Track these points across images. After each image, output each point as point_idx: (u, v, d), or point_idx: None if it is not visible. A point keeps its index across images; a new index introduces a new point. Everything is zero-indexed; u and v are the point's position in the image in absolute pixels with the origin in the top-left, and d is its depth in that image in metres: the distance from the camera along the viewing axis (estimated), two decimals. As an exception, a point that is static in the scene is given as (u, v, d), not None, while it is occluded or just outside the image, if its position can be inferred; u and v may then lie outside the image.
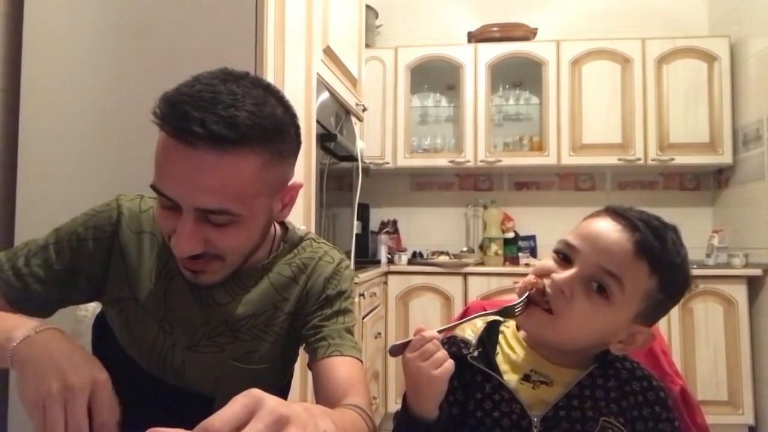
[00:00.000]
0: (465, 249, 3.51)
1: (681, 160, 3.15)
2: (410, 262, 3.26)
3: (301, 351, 0.93)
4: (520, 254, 3.36)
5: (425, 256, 3.37)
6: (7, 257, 0.85)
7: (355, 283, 2.17)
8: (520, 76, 3.46)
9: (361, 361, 0.87)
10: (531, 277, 0.77)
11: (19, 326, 0.67)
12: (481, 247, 3.44)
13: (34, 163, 1.45)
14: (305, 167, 1.71)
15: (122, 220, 0.88)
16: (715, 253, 3.08)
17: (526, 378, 0.77)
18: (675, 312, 2.89)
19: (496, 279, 2.97)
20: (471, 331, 0.84)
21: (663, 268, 0.74)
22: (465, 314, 1.10)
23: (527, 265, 3.19)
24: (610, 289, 0.73)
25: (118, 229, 0.87)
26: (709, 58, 3.14)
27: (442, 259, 3.25)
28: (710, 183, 3.43)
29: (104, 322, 0.91)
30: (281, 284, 0.89)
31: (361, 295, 2.35)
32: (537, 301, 0.75)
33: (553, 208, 3.54)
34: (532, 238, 3.49)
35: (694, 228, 3.37)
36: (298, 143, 0.82)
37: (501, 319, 0.84)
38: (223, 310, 0.86)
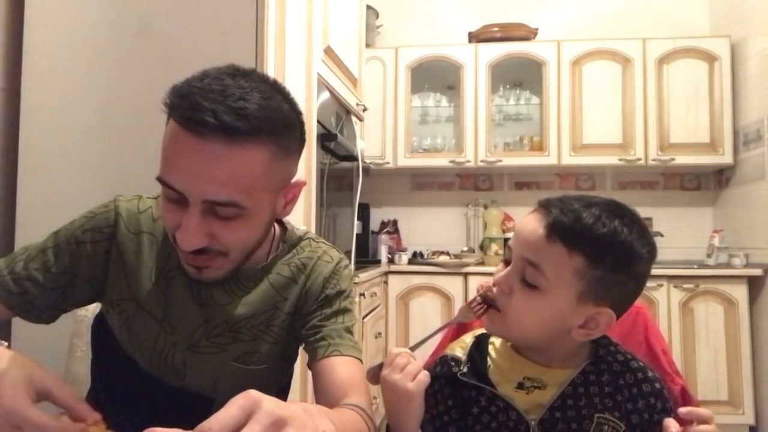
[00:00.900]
0: (465, 249, 3.51)
1: (681, 160, 3.15)
2: (410, 262, 3.26)
3: (301, 351, 0.93)
4: (520, 254, 3.35)
5: (425, 256, 3.37)
6: (6, 263, 0.84)
7: (355, 283, 2.17)
8: (520, 76, 3.46)
9: (361, 361, 0.87)
10: (488, 282, 0.80)
11: None
12: (482, 247, 3.44)
13: (35, 162, 1.45)
14: (305, 167, 1.71)
15: (120, 221, 0.88)
16: (715, 253, 3.08)
17: (520, 386, 0.77)
18: (675, 312, 2.89)
19: (496, 279, 2.97)
20: (460, 348, 0.84)
21: (582, 243, 0.71)
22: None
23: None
24: (533, 277, 0.73)
25: (116, 231, 0.87)
26: (710, 58, 3.14)
27: (443, 259, 3.25)
28: (711, 183, 3.43)
29: (104, 322, 0.90)
30: (281, 284, 0.89)
31: (362, 295, 2.35)
32: (491, 303, 0.78)
33: (554, 208, 3.54)
34: (533, 238, 3.48)
35: (695, 228, 3.38)
36: (303, 140, 0.83)
37: (486, 331, 0.85)
38: (223, 310, 0.86)
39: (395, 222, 3.62)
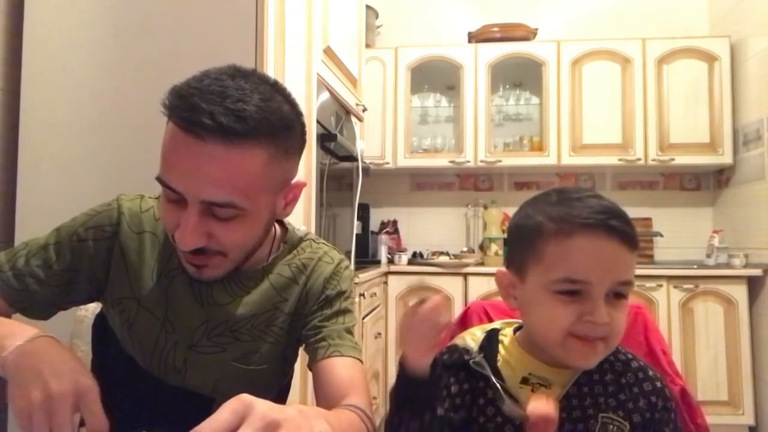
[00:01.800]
0: (465, 249, 3.51)
1: (681, 160, 3.15)
2: (410, 263, 3.26)
3: (301, 351, 0.93)
4: (520, 254, 3.35)
5: (425, 256, 3.37)
6: (7, 257, 0.84)
7: (355, 284, 2.17)
8: (520, 76, 3.46)
9: (361, 362, 0.87)
10: None
11: (14, 335, 0.68)
12: (482, 248, 3.44)
13: (34, 162, 1.45)
14: (305, 167, 1.71)
15: (123, 220, 0.88)
16: (715, 253, 3.08)
17: (524, 381, 0.77)
18: (675, 312, 2.89)
19: (496, 279, 2.97)
20: (471, 339, 0.84)
21: (636, 239, 0.77)
22: (465, 314, 1.10)
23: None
24: (625, 290, 0.75)
25: (118, 230, 0.87)
26: (710, 58, 3.14)
27: (443, 259, 3.25)
28: (710, 183, 3.43)
29: (104, 322, 0.90)
30: (281, 285, 0.89)
31: (361, 295, 2.35)
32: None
33: (554, 208, 3.54)
34: (533, 238, 3.49)
35: (695, 228, 3.38)
36: (303, 141, 0.83)
37: (499, 327, 0.85)
38: (223, 310, 0.86)
39: (395, 222, 3.62)
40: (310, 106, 1.74)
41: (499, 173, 3.60)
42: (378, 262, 3.10)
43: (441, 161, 3.37)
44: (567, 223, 0.73)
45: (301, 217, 1.67)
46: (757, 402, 2.82)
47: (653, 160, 3.16)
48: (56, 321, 0.88)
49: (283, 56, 1.49)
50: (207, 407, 0.83)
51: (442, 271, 3.08)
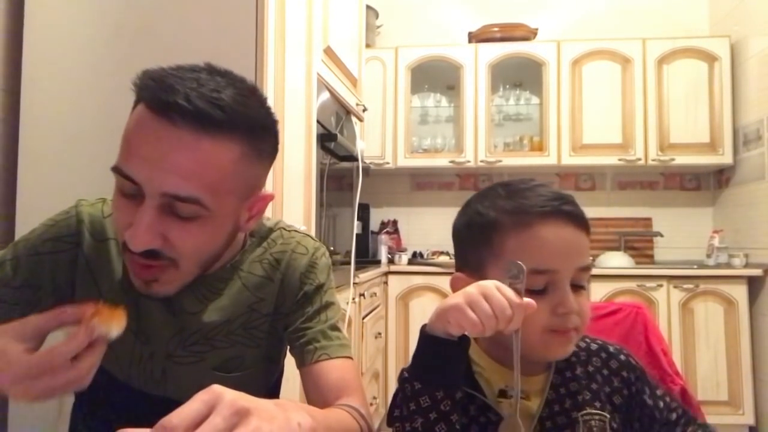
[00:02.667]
0: (465, 249, 3.51)
1: (681, 160, 3.15)
2: (410, 262, 3.26)
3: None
4: (520, 254, 3.36)
5: (425, 256, 3.37)
6: None
7: (355, 283, 2.17)
8: (520, 76, 3.46)
9: (351, 358, 0.84)
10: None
11: None
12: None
13: (35, 163, 1.45)
14: (305, 167, 1.71)
15: (83, 228, 0.82)
16: (715, 254, 3.08)
17: (502, 394, 0.73)
18: (675, 312, 2.89)
19: (496, 279, 2.97)
20: None
21: (588, 223, 0.76)
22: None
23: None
24: (585, 279, 0.74)
25: (80, 240, 0.82)
26: (710, 58, 3.14)
27: (443, 259, 3.25)
28: (710, 183, 3.43)
29: None
30: (254, 284, 0.84)
31: (361, 295, 2.35)
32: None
33: (554, 208, 3.54)
34: (533, 238, 3.49)
35: (695, 228, 3.38)
36: (276, 149, 0.78)
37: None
38: (195, 318, 0.81)
39: (395, 222, 3.62)
40: (310, 106, 1.74)
41: (499, 173, 3.60)
42: (378, 262, 3.10)
43: (441, 161, 3.37)
44: (524, 214, 0.72)
45: (301, 217, 1.67)
46: (757, 402, 2.82)
47: (653, 160, 3.16)
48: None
49: (283, 56, 1.49)
50: None
51: (442, 271, 3.08)
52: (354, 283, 2.14)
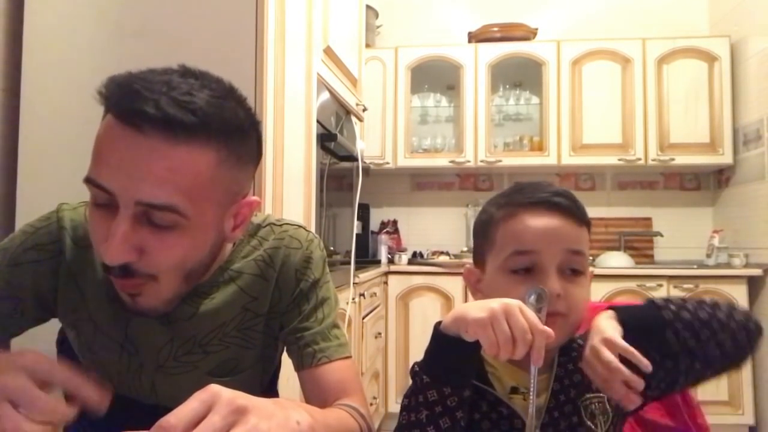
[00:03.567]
0: (465, 249, 3.51)
1: (681, 160, 3.15)
2: (410, 262, 3.26)
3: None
4: (520, 254, 3.36)
5: (425, 256, 3.37)
6: None
7: (355, 283, 2.17)
8: (520, 76, 3.46)
9: (350, 357, 0.82)
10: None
11: None
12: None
13: (35, 163, 1.45)
14: (305, 167, 1.71)
15: (65, 235, 0.79)
16: (715, 254, 3.08)
17: (513, 390, 0.76)
18: (675, 312, 2.89)
19: (496, 279, 2.96)
20: None
21: (586, 216, 0.79)
22: None
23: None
24: (579, 264, 0.76)
25: (62, 247, 0.78)
26: (710, 58, 3.14)
27: (443, 259, 3.25)
28: (710, 183, 3.43)
29: (67, 340, 0.84)
30: (247, 283, 0.80)
31: (361, 295, 2.35)
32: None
33: (554, 208, 3.54)
34: (533, 238, 3.49)
35: (695, 228, 3.38)
36: (259, 153, 0.74)
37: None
38: (188, 326, 0.77)
39: (395, 222, 3.62)
40: (310, 106, 1.74)
41: (499, 173, 3.60)
42: (378, 262, 3.10)
43: (441, 161, 3.37)
44: (512, 206, 0.77)
45: (301, 217, 1.67)
46: (757, 402, 2.82)
47: (653, 160, 3.16)
48: (55, 334, 0.87)
49: (283, 56, 1.49)
50: None
51: (442, 270, 3.08)
52: (354, 283, 2.14)
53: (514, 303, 0.63)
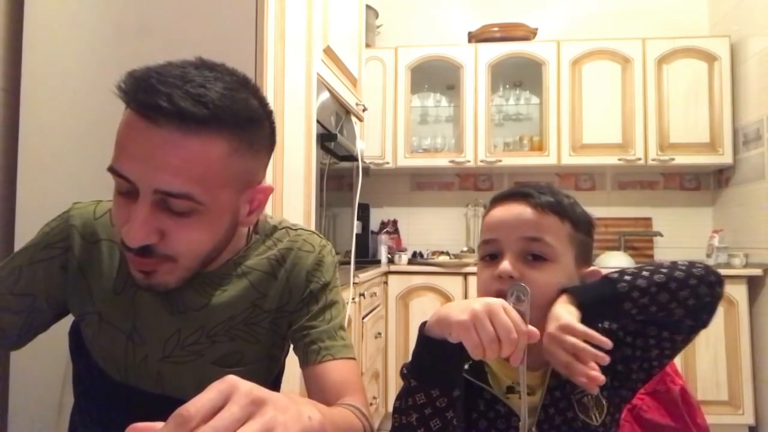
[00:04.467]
0: (465, 249, 3.51)
1: (681, 160, 3.15)
2: (410, 262, 3.26)
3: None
4: (520, 254, 3.36)
5: (425, 256, 3.37)
6: None
7: (355, 283, 2.17)
8: (520, 76, 3.46)
9: (354, 359, 0.84)
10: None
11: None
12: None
13: (35, 162, 1.45)
14: (305, 167, 1.71)
15: (74, 232, 0.83)
16: (715, 253, 3.08)
17: (510, 390, 0.77)
18: (675, 312, 2.89)
19: (496, 279, 2.97)
20: None
21: (566, 212, 0.81)
22: None
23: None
24: (539, 249, 0.77)
25: (71, 243, 0.82)
26: (710, 58, 3.14)
27: (443, 259, 3.25)
28: (710, 183, 3.43)
29: (79, 331, 0.87)
30: (258, 280, 0.84)
31: (361, 295, 2.35)
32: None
33: (554, 208, 3.54)
34: (532, 238, 3.49)
35: (694, 228, 3.38)
36: (273, 141, 0.78)
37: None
38: (197, 315, 0.81)
39: (395, 222, 3.62)
40: (310, 106, 1.74)
41: (499, 173, 3.60)
42: (378, 262, 3.10)
43: (441, 161, 3.37)
44: (493, 201, 0.85)
45: (301, 217, 1.67)
46: (757, 402, 2.82)
47: (653, 159, 3.16)
48: (54, 334, 0.88)
49: (283, 56, 1.49)
50: None
51: (442, 270, 3.08)
52: (354, 283, 2.14)
53: (497, 302, 0.63)
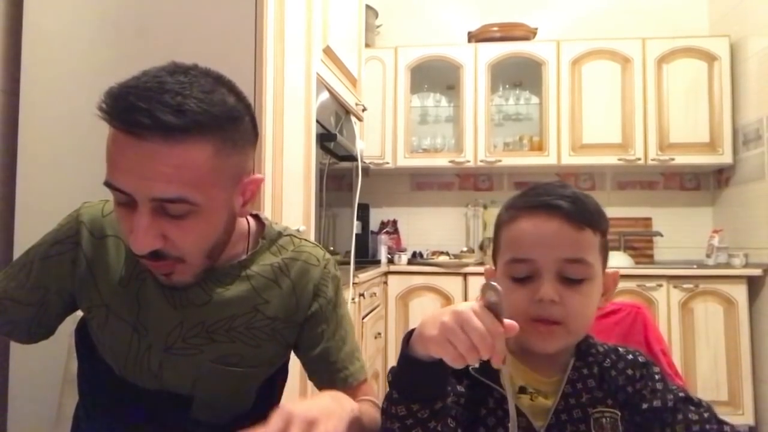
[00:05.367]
0: (465, 249, 3.51)
1: (681, 159, 3.15)
2: (410, 262, 3.26)
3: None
4: (520, 254, 3.36)
5: (425, 256, 3.37)
6: None
7: (355, 283, 2.17)
8: (520, 76, 3.46)
9: (367, 379, 0.91)
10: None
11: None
12: (481, 247, 3.44)
13: (34, 163, 1.45)
14: (305, 167, 1.71)
15: (82, 228, 0.86)
16: (715, 253, 3.08)
17: (522, 390, 0.76)
18: (675, 312, 2.89)
19: (496, 279, 2.97)
20: None
21: (595, 220, 0.76)
22: None
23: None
24: (579, 273, 0.73)
25: (79, 239, 0.86)
26: (709, 57, 3.14)
27: (442, 259, 3.25)
28: (710, 183, 3.43)
29: (85, 329, 0.90)
30: (261, 286, 0.86)
31: (361, 295, 2.35)
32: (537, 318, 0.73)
33: (553, 208, 3.54)
34: (532, 238, 3.49)
35: (694, 228, 3.38)
36: (255, 134, 0.81)
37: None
38: (199, 311, 0.83)
39: (395, 222, 3.62)
40: (310, 106, 1.74)
41: (499, 173, 3.60)
42: (378, 262, 3.10)
43: (441, 161, 3.37)
44: (514, 209, 0.78)
45: (301, 217, 1.67)
46: (757, 402, 2.82)
47: (653, 159, 3.16)
48: (56, 335, 0.89)
49: (282, 56, 1.49)
50: (186, 406, 0.83)
51: (442, 271, 3.08)
52: (354, 283, 2.14)
53: (466, 308, 0.61)
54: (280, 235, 0.91)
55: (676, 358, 2.78)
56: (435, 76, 3.50)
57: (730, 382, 2.83)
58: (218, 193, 0.74)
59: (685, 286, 2.89)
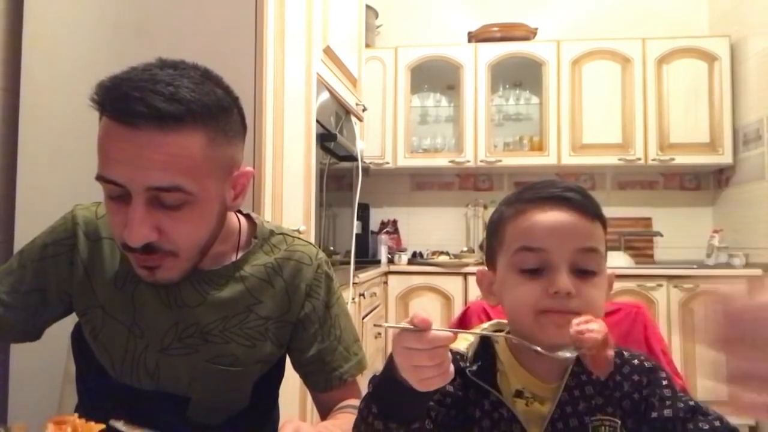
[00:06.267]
0: (465, 249, 3.51)
1: (681, 160, 3.15)
2: (410, 262, 3.26)
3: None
4: (520, 254, 3.36)
5: (425, 256, 3.37)
6: None
7: (355, 283, 2.17)
8: (520, 76, 3.46)
9: (362, 373, 0.91)
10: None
11: None
12: (482, 247, 3.44)
13: (34, 162, 1.45)
14: (305, 167, 1.71)
15: (78, 230, 0.87)
16: (715, 253, 3.08)
17: (518, 394, 0.74)
18: (675, 312, 2.89)
19: (496, 279, 2.96)
20: (465, 341, 0.80)
21: (600, 211, 0.76)
22: (465, 314, 1.10)
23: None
24: (594, 263, 0.72)
25: (75, 241, 0.86)
26: (710, 58, 3.14)
27: (442, 259, 3.25)
28: (710, 183, 3.43)
29: (81, 332, 0.89)
30: (254, 286, 0.86)
31: (361, 295, 2.35)
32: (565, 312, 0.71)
33: (553, 208, 3.54)
34: (532, 238, 3.49)
35: (694, 228, 3.38)
36: (244, 126, 0.82)
37: (490, 330, 0.82)
38: (193, 312, 0.83)
39: (395, 222, 3.62)
40: (310, 106, 1.74)
41: (499, 173, 3.60)
42: (378, 262, 3.10)
43: (441, 161, 3.37)
44: (522, 202, 0.75)
45: (301, 217, 1.67)
46: (757, 402, 2.82)
47: (653, 159, 3.16)
48: (54, 334, 0.89)
49: (282, 56, 1.49)
50: (182, 406, 0.83)
51: (442, 270, 3.08)
52: (354, 283, 2.14)
53: (404, 342, 0.59)
54: (272, 233, 0.91)
55: (676, 358, 2.78)
56: (435, 76, 3.50)
57: (730, 382, 2.82)
58: (212, 184, 0.75)
59: (685, 286, 2.89)
